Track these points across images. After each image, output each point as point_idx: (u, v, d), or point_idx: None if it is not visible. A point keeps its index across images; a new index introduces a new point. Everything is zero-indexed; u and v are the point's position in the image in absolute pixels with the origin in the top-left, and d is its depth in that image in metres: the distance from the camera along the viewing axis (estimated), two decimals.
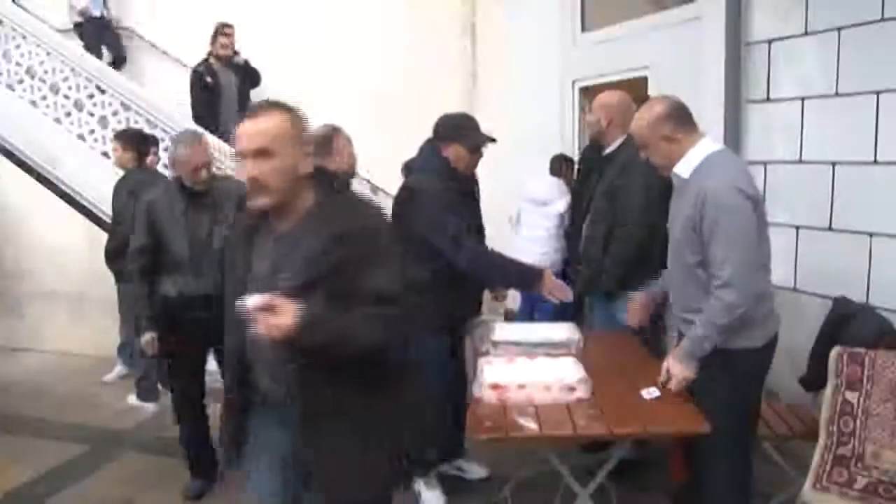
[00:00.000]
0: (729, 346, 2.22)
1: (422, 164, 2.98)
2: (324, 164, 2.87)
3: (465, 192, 3.00)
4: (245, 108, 5.98)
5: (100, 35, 6.35)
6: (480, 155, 3.00)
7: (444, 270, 2.83)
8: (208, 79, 5.54)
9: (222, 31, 5.71)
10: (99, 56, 6.04)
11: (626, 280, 3.07)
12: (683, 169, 2.26)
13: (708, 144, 2.27)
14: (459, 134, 2.91)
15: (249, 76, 5.81)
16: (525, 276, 2.93)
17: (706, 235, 2.15)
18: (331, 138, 2.90)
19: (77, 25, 6.31)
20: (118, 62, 6.49)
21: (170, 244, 2.98)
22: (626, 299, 3.11)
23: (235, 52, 5.82)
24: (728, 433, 2.22)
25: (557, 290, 2.82)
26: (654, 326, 3.62)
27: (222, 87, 5.59)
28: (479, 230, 3.10)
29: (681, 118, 2.27)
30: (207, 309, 2.67)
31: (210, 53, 5.72)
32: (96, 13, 6.34)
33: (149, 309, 3.05)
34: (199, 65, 5.82)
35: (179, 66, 6.41)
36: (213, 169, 3.18)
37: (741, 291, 2.12)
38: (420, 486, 3.09)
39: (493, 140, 2.95)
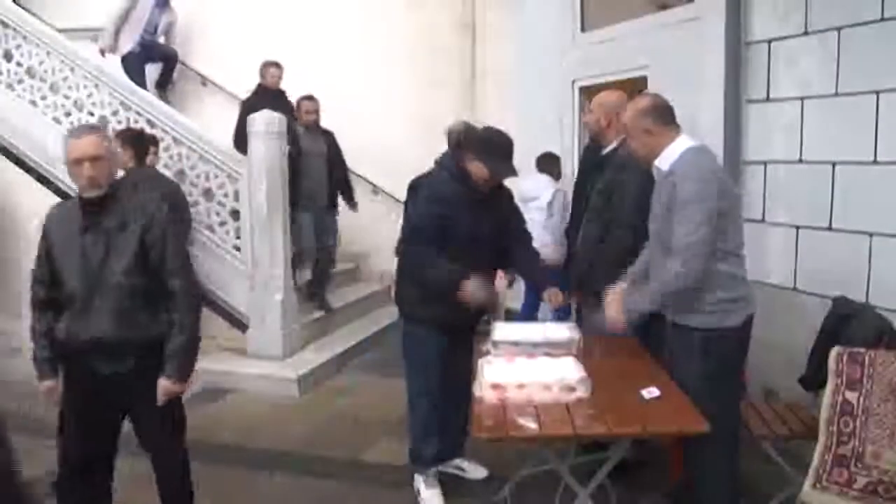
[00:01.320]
0: (705, 325, 2.37)
1: (440, 161, 2.99)
2: None
3: (477, 197, 2.90)
4: (337, 175, 5.37)
5: (145, 58, 6.36)
6: (499, 181, 2.94)
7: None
8: (289, 147, 4.99)
9: (306, 97, 5.34)
10: (142, 81, 6.05)
11: (618, 279, 3.08)
12: (663, 162, 2.44)
13: (685, 141, 2.44)
14: (488, 156, 2.82)
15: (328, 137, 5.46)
16: (455, 280, 2.82)
17: (676, 215, 2.32)
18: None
19: (122, 60, 6.29)
20: (170, 61, 6.52)
21: (61, 272, 2.34)
22: None
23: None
24: (708, 418, 2.25)
25: (478, 295, 2.80)
26: (655, 325, 3.63)
27: (307, 155, 5.20)
28: (492, 236, 2.97)
29: (661, 115, 2.45)
30: (103, 358, 2.29)
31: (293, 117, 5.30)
32: (136, 49, 6.31)
33: (47, 350, 2.40)
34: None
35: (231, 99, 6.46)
36: (118, 174, 2.60)
37: (689, 264, 2.30)
38: (419, 484, 3.09)
39: (516, 174, 2.91)
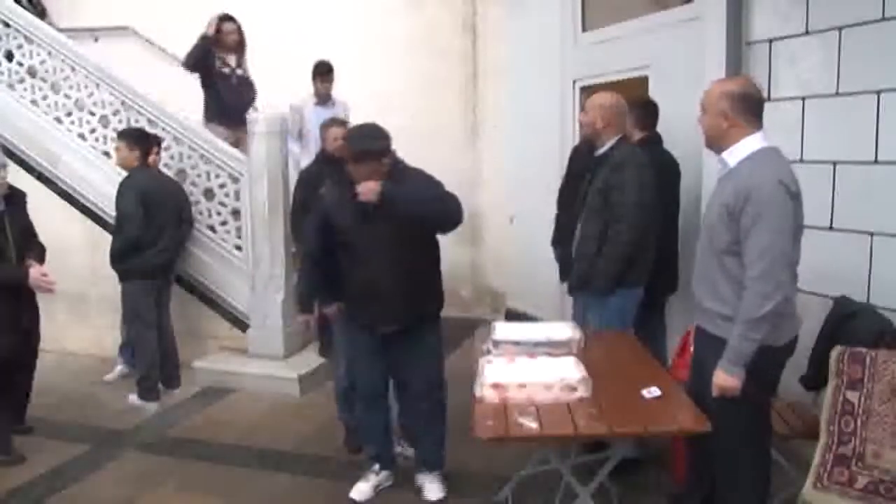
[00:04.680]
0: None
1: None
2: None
3: (366, 207, 2.77)
4: None
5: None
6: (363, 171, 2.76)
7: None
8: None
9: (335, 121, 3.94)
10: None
11: (620, 278, 3.10)
12: (730, 157, 2.29)
13: (759, 140, 2.28)
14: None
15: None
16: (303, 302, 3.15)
17: (745, 227, 2.17)
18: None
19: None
20: None
21: None
22: (620, 297, 3.13)
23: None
24: (746, 431, 2.26)
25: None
26: (655, 326, 3.65)
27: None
28: (393, 244, 2.82)
29: (746, 106, 2.26)
30: None
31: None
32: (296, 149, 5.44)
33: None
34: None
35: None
36: None
37: (774, 283, 2.14)
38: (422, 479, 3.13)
39: (362, 147, 2.80)
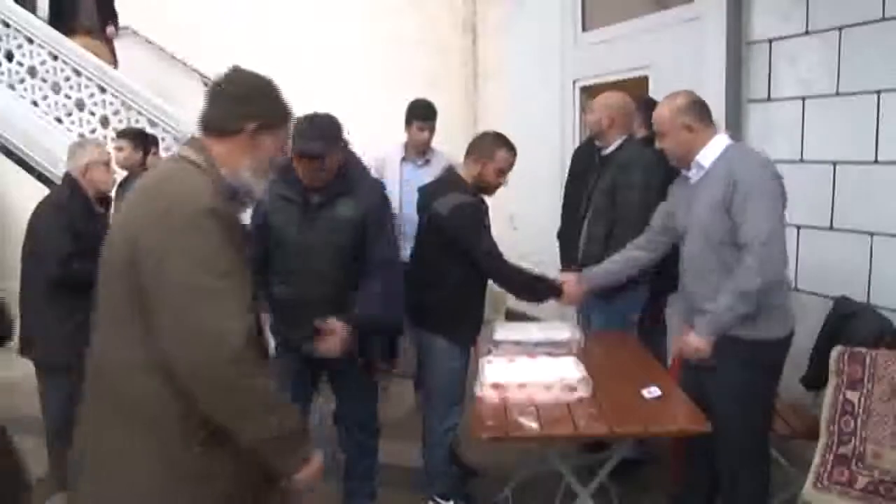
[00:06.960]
0: (752, 336, 2.25)
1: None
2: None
3: (306, 201, 2.54)
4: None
5: None
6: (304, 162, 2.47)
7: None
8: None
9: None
10: None
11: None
12: (704, 159, 2.34)
13: (726, 138, 2.37)
14: (298, 136, 2.42)
15: None
16: None
17: (737, 214, 2.21)
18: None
19: None
20: None
21: None
22: (622, 300, 3.12)
23: None
24: (749, 427, 2.28)
25: None
26: (654, 326, 3.64)
27: None
28: (328, 251, 2.54)
29: (700, 111, 2.37)
30: None
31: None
32: None
33: None
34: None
35: None
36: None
37: (769, 259, 2.18)
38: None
39: (310, 143, 2.48)
